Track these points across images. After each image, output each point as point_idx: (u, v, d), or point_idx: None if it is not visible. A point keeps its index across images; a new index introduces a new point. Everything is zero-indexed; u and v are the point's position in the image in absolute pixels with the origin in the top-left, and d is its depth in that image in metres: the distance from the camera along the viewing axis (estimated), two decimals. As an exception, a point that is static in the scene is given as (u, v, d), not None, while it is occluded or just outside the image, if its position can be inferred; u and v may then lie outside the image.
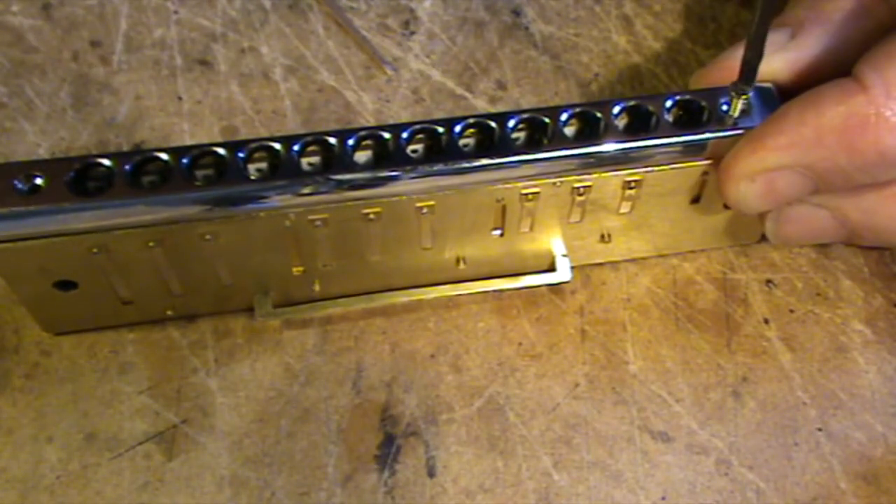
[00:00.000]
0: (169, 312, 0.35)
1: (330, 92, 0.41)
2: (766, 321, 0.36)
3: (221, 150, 0.31)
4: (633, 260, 0.37)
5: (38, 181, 0.30)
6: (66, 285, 0.32)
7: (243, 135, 0.40)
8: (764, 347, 0.36)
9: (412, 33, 0.43)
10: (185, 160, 0.30)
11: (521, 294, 0.36)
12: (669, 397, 0.35)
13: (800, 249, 0.38)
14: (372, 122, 0.40)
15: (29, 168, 0.30)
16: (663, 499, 0.33)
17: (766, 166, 0.31)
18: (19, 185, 0.30)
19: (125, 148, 0.39)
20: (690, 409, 0.34)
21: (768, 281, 0.37)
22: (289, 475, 0.33)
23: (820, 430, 0.34)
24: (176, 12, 0.43)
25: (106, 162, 0.30)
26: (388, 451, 0.33)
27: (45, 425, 0.33)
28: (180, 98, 0.41)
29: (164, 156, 0.31)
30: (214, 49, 0.42)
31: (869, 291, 0.37)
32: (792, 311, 0.36)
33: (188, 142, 0.39)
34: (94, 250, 0.31)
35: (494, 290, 0.36)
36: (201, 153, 0.31)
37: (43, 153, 0.39)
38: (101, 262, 0.31)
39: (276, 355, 0.35)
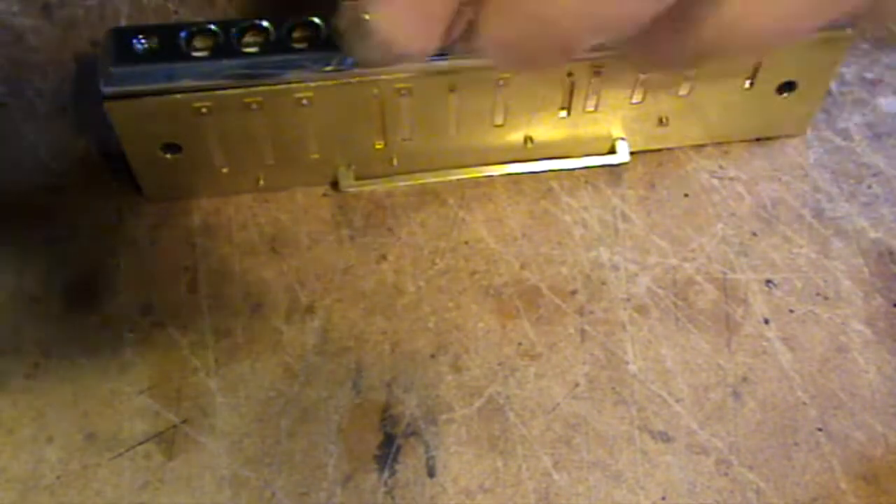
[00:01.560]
0: (261, 182, 0.37)
1: None
2: (766, 321, 0.36)
3: (317, 20, 0.34)
4: (688, 147, 0.39)
5: (155, 42, 0.33)
6: (172, 148, 0.35)
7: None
8: (764, 347, 0.36)
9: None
10: (286, 27, 0.34)
11: (521, 294, 0.36)
12: (669, 397, 0.35)
13: (799, 249, 0.38)
14: None
15: (146, 31, 0.33)
16: (663, 499, 0.33)
17: None
18: (138, 46, 0.33)
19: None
20: (690, 409, 0.34)
21: (768, 281, 0.37)
22: (289, 475, 0.33)
23: (820, 430, 0.34)
24: (176, 12, 0.43)
25: (213, 27, 0.33)
26: (388, 451, 0.33)
27: (45, 425, 0.33)
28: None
29: (265, 23, 0.34)
30: (214, 49, 0.42)
31: (869, 291, 0.37)
32: (792, 311, 0.36)
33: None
34: (203, 110, 0.33)
35: (558, 170, 0.39)
36: (298, 24, 0.34)
37: (43, 153, 0.39)
38: (207, 124, 0.34)
39: (276, 355, 0.35)
